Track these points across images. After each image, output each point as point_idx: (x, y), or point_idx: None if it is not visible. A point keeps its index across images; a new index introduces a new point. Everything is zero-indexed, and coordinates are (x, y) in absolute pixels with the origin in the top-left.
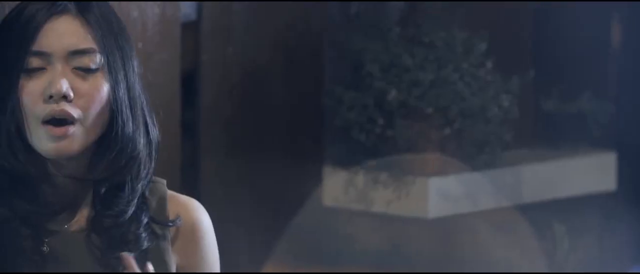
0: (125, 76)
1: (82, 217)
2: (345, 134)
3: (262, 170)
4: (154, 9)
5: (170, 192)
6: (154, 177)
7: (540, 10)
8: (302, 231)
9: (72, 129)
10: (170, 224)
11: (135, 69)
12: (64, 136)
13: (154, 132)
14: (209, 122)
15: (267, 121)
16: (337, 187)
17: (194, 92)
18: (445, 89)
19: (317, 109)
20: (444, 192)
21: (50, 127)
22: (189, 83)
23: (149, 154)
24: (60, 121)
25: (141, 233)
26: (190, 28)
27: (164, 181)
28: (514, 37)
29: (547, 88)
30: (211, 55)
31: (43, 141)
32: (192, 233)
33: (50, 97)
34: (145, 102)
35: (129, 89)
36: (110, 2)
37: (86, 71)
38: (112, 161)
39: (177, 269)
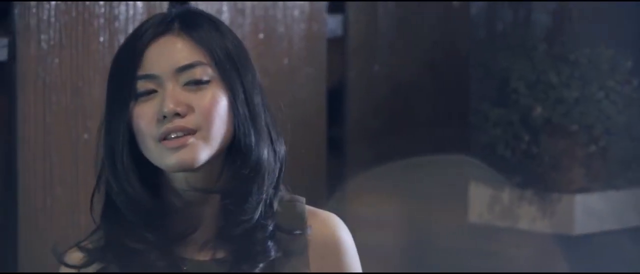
0: (242, 87)
1: (211, 232)
2: (491, 151)
3: (408, 186)
4: (300, 24)
5: (309, 208)
6: (293, 196)
7: None
8: (447, 247)
9: (190, 139)
10: (298, 232)
11: (255, 82)
12: (182, 146)
13: (280, 146)
14: (355, 139)
15: (412, 138)
16: (482, 203)
17: (339, 108)
18: (590, 106)
19: (462, 125)
20: (589, 210)
21: (165, 142)
22: (334, 99)
23: (275, 167)
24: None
25: (267, 242)
26: (336, 44)
27: (303, 199)
28: None
29: None
30: (357, 72)
31: (164, 156)
32: (332, 249)
33: (164, 117)
34: (269, 116)
35: (247, 100)
36: (257, 17)
37: (197, 84)
38: (237, 171)
39: None
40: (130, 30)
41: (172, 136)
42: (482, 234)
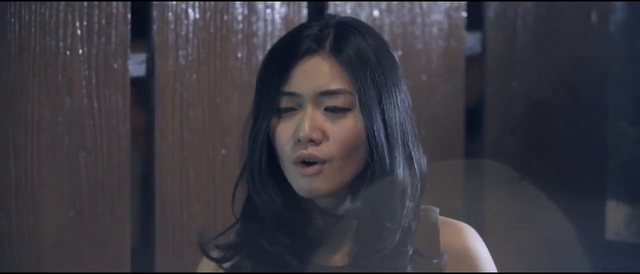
0: (382, 111)
1: (343, 253)
2: (629, 169)
3: (544, 204)
4: (438, 42)
5: (442, 218)
6: (426, 206)
7: None
8: (584, 265)
9: (323, 168)
10: (435, 260)
11: (396, 102)
12: (315, 175)
13: (420, 163)
14: (492, 156)
15: (549, 155)
16: (619, 221)
17: (477, 125)
18: None
19: (600, 143)
20: None
21: (300, 167)
22: (472, 116)
23: (414, 185)
24: (309, 161)
25: (406, 266)
26: (475, 61)
27: (437, 210)
28: None
29: None
30: (495, 89)
31: (296, 180)
32: (466, 259)
33: (299, 140)
34: (409, 133)
35: (386, 125)
36: (396, 34)
37: (336, 112)
38: (368, 196)
39: None
40: (268, 46)
41: (307, 161)
42: (619, 252)
